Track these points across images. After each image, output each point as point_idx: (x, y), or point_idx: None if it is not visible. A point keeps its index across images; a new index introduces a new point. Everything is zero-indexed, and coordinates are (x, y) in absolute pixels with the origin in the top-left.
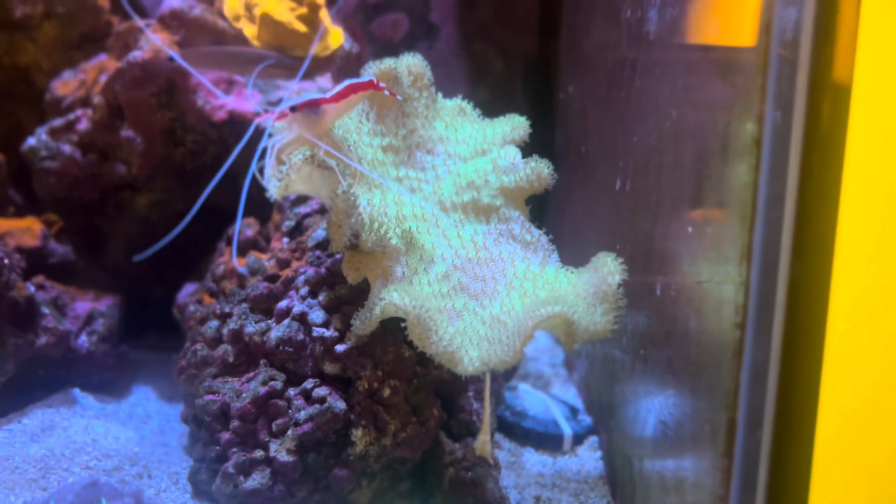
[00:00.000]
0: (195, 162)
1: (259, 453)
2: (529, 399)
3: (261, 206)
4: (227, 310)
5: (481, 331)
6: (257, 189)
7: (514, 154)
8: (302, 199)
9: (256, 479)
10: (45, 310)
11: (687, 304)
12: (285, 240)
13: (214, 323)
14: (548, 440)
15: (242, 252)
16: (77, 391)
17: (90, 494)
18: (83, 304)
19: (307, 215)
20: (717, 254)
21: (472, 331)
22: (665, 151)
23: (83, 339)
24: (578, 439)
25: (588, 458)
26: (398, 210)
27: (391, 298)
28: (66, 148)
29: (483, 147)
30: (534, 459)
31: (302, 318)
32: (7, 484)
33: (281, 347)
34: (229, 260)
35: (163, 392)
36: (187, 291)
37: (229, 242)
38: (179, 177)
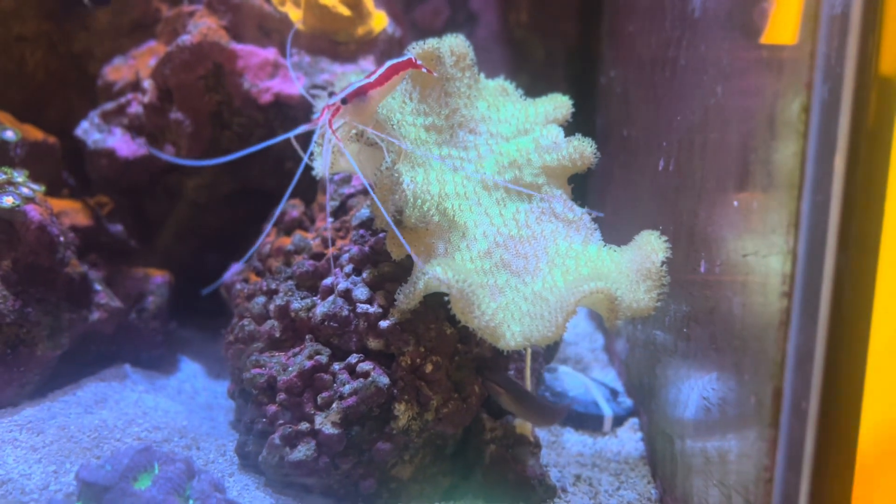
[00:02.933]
0: (241, 145)
1: (305, 425)
2: (569, 381)
3: (305, 189)
4: (273, 286)
5: (523, 307)
6: (302, 172)
7: (556, 133)
8: (346, 181)
9: (302, 451)
10: (98, 287)
11: (731, 280)
12: (328, 220)
13: (261, 299)
14: (588, 421)
15: (288, 232)
16: (128, 367)
17: (144, 459)
18: (134, 283)
19: (350, 196)
20: (763, 226)
21: (514, 306)
22: (710, 128)
23: (134, 316)
24: (619, 421)
25: (628, 440)
26: (441, 188)
27: (434, 273)
28: (118, 131)
29: (525, 126)
30: (573, 439)
31: (346, 295)
32: (63, 452)
33: (326, 323)
34: (275, 239)
35: (210, 369)
36: (234, 271)
37: (276, 222)
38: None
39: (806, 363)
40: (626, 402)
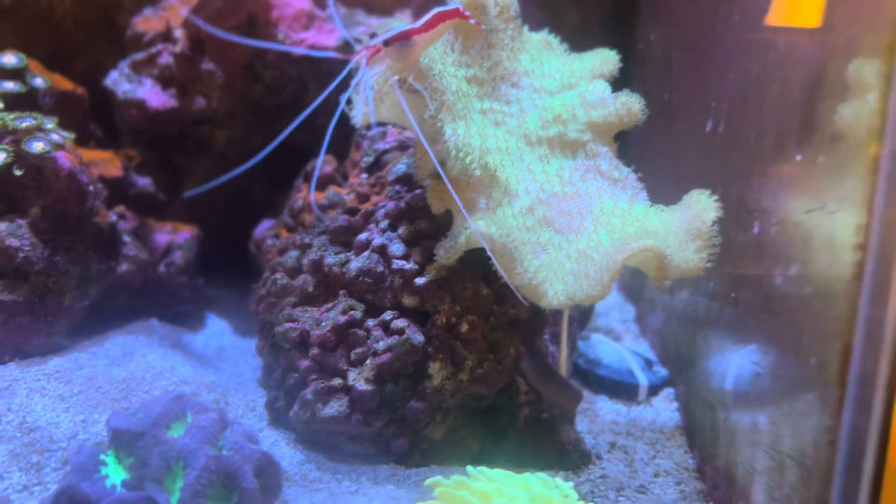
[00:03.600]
0: (272, 99)
1: (337, 381)
2: (603, 348)
3: (338, 145)
4: (306, 241)
5: (567, 265)
6: (335, 129)
7: (603, 88)
8: (381, 136)
9: (334, 407)
10: (127, 238)
11: (790, 239)
12: (364, 175)
13: (294, 253)
14: (622, 389)
15: (321, 187)
16: (155, 321)
17: (176, 407)
18: (162, 236)
19: (385, 151)
20: (831, 180)
21: (558, 265)
22: (769, 84)
23: (162, 270)
24: (653, 390)
25: (663, 409)
26: (482, 142)
27: (478, 227)
28: (148, 82)
29: (570, 81)
30: (607, 407)
31: (382, 251)
32: (91, 402)
33: (360, 278)
34: (307, 195)
35: (237, 327)
36: (264, 227)
37: (307, 178)
38: (257, 113)
39: (878, 318)
40: (661, 371)
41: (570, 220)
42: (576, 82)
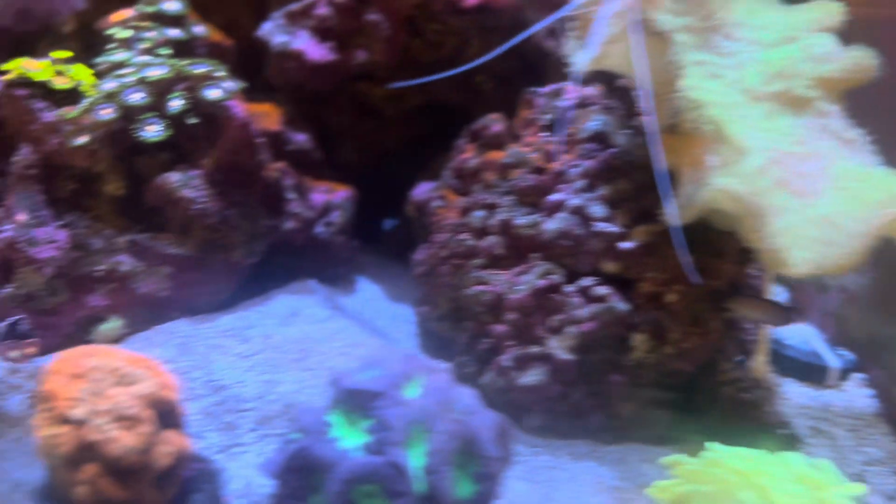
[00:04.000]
0: (431, 55)
1: (536, 349)
2: (786, 329)
3: (497, 105)
4: (491, 201)
5: (810, 231)
6: (494, 86)
7: (829, 42)
8: (557, 93)
9: (533, 376)
10: (290, 195)
11: None
12: (543, 133)
13: (480, 213)
14: (811, 371)
15: (489, 147)
16: (313, 282)
17: (409, 366)
18: (318, 195)
19: (567, 109)
20: None
21: (800, 230)
22: None
23: (320, 230)
24: (842, 374)
25: (857, 395)
26: (705, 95)
27: (722, 184)
28: (303, 33)
29: (790, 34)
30: (795, 390)
31: (580, 212)
32: (272, 361)
33: (558, 241)
34: (475, 155)
35: (388, 292)
36: (424, 189)
37: (473, 138)
38: (414, 70)
39: None
40: (847, 355)
41: (806, 182)
42: (797, 35)
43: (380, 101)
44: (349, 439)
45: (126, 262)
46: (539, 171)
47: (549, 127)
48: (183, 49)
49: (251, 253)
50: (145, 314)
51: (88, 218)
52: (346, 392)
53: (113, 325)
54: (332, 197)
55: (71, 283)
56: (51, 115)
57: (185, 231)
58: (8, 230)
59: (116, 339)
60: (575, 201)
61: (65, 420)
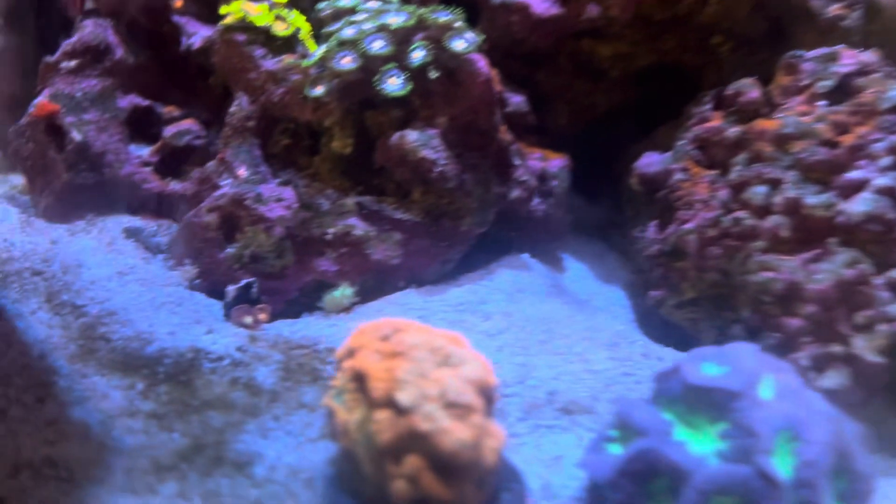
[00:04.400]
0: (665, 11)
1: (837, 348)
2: None
3: (733, 69)
4: (775, 175)
5: None
6: (733, 48)
7: None
8: (830, 57)
9: (833, 378)
10: (517, 161)
11: None
12: (821, 103)
13: (762, 189)
14: None
15: (748, 115)
16: (527, 256)
17: (758, 362)
18: (534, 163)
19: (850, 75)
20: None
21: None
22: None
23: (536, 201)
24: None
25: None
26: None
27: None
28: None
29: None
30: None
31: (891, 193)
32: (520, 341)
33: (865, 225)
34: (731, 124)
35: (595, 271)
36: (655, 160)
37: (722, 105)
38: (645, 27)
39: None
40: None
41: None
42: None
43: (605, 61)
44: (698, 443)
45: (358, 226)
46: (829, 144)
47: (827, 95)
48: None
49: (481, 222)
50: (374, 283)
51: (305, 176)
52: (691, 389)
53: (344, 292)
54: (546, 165)
55: (299, 246)
56: (271, 63)
57: (408, 194)
58: (229, 185)
59: (347, 308)
60: (882, 180)
61: (386, 404)
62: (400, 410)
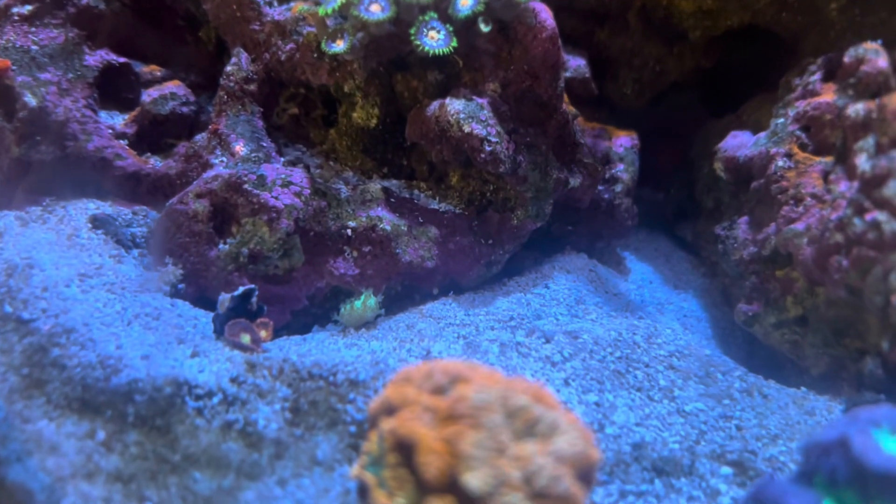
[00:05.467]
0: None
1: None
2: None
3: (835, 39)
4: None
5: None
6: (843, 8)
7: None
8: None
9: None
10: (582, 139)
11: None
12: None
13: None
14: None
15: (861, 90)
16: (584, 257)
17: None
18: (594, 141)
19: None
20: None
21: None
22: None
23: (601, 188)
24: None
25: None
26: None
27: None
28: None
29: None
30: None
31: None
32: (590, 372)
33: None
34: (850, 99)
35: (666, 274)
36: (744, 142)
37: (830, 76)
38: None
39: None
40: None
41: None
42: None
43: (686, 18)
44: None
45: (386, 218)
46: None
47: None
48: None
49: (538, 215)
50: (402, 289)
51: (318, 154)
52: (872, 474)
53: (367, 301)
54: (611, 144)
55: (311, 243)
56: (279, 11)
57: (444, 181)
58: (223, 165)
59: (370, 323)
60: None
61: (446, 489)
62: (469, 500)
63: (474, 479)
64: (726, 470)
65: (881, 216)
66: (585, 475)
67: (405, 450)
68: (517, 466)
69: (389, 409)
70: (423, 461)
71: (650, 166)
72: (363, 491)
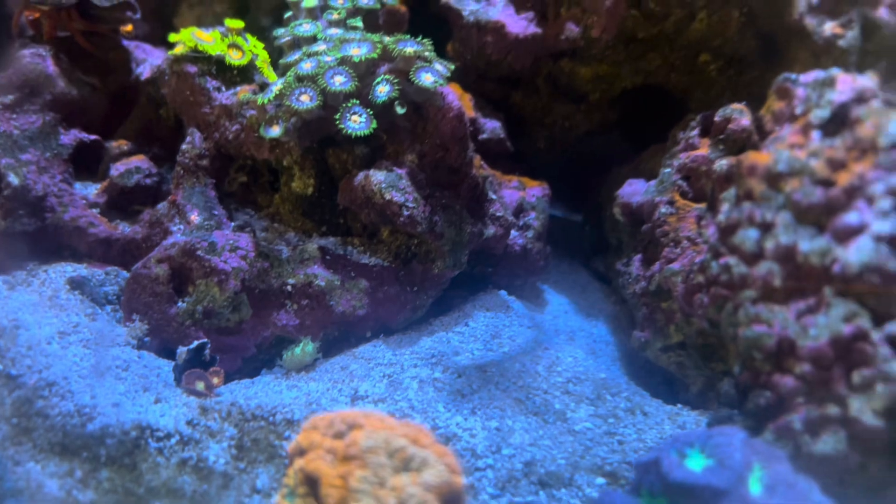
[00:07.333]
0: (652, 27)
1: (834, 410)
2: None
3: (725, 93)
4: (768, 218)
5: None
6: (721, 68)
7: None
8: (827, 84)
9: (829, 443)
10: (492, 195)
11: None
12: (816, 134)
13: (754, 234)
14: None
15: (731, 146)
16: (504, 294)
17: (747, 451)
18: (510, 193)
19: (845, 104)
20: None
21: None
22: None
23: (514, 235)
24: None
25: None
26: None
27: None
28: (499, 1)
29: None
30: None
31: (892, 242)
32: (494, 402)
33: (863, 276)
34: (720, 154)
35: (577, 304)
36: (638, 189)
37: (707, 131)
38: (627, 46)
39: None
40: None
41: None
42: None
43: (586, 83)
44: None
45: (321, 275)
46: (825, 183)
47: (822, 126)
48: (368, 20)
49: (455, 264)
50: (338, 334)
51: (264, 217)
52: (674, 486)
53: (306, 348)
54: (525, 195)
55: (257, 299)
56: (226, 96)
57: (376, 237)
58: (180, 233)
59: (309, 366)
60: (881, 226)
61: None
62: None
63: None
64: (601, 480)
65: (731, 260)
66: (452, 499)
67: (312, 483)
68: (394, 496)
69: (301, 451)
70: (325, 493)
71: (569, 208)
72: None
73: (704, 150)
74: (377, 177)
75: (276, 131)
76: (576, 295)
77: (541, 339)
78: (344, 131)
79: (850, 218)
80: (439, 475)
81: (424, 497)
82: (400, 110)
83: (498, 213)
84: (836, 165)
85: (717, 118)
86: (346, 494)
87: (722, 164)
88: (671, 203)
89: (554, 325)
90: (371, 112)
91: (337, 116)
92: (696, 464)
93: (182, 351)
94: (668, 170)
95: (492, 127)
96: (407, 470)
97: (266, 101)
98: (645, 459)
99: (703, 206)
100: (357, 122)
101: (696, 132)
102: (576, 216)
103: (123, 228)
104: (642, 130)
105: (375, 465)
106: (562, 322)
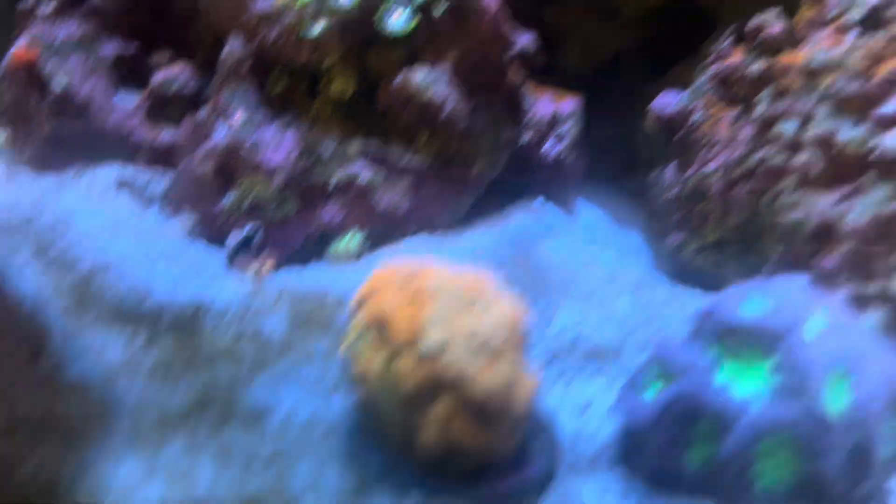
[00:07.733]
0: None
1: (876, 286)
2: None
3: (754, 5)
4: (805, 109)
5: None
6: None
7: None
8: None
9: (871, 321)
10: (528, 102)
11: None
12: (850, 35)
13: (791, 124)
14: None
15: (771, 50)
16: (540, 201)
17: (806, 296)
18: (544, 104)
19: (878, 6)
20: None
21: None
22: None
23: (549, 144)
24: None
25: None
26: None
27: None
28: None
29: None
30: None
31: None
32: (538, 288)
33: None
34: (752, 59)
35: (614, 217)
36: (671, 100)
37: (743, 40)
38: None
39: None
40: None
41: None
42: None
43: None
44: (745, 381)
45: (363, 173)
46: (862, 76)
47: (856, 26)
48: None
49: (494, 165)
50: (382, 229)
51: (306, 120)
52: (732, 328)
53: (352, 240)
54: (558, 107)
55: (301, 195)
56: (264, 2)
57: (416, 138)
58: (224, 133)
59: (356, 256)
60: None
61: (411, 349)
62: (426, 355)
63: (430, 339)
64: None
65: (770, 152)
66: (517, 335)
67: (380, 325)
68: (465, 330)
69: (368, 298)
70: (396, 328)
71: (601, 126)
72: (348, 361)
73: (737, 57)
74: (417, 76)
75: (316, 31)
76: (610, 209)
77: (576, 244)
78: (384, 30)
79: (890, 107)
80: (506, 311)
81: (494, 330)
82: (439, 9)
83: (533, 121)
84: (874, 59)
85: (750, 26)
86: (416, 328)
87: (757, 65)
88: (705, 108)
89: (590, 232)
90: (411, 10)
91: (377, 15)
92: (754, 308)
93: (233, 237)
94: (700, 80)
95: (525, 40)
96: (473, 307)
97: (306, 2)
98: (705, 307)
99: (737, 110)
100: (397, 20)
101: (728, 42)
102: (608, 133)
103: (166, 134)
104: (675, 50)
105: (444, 302)
106: (597, 231)
